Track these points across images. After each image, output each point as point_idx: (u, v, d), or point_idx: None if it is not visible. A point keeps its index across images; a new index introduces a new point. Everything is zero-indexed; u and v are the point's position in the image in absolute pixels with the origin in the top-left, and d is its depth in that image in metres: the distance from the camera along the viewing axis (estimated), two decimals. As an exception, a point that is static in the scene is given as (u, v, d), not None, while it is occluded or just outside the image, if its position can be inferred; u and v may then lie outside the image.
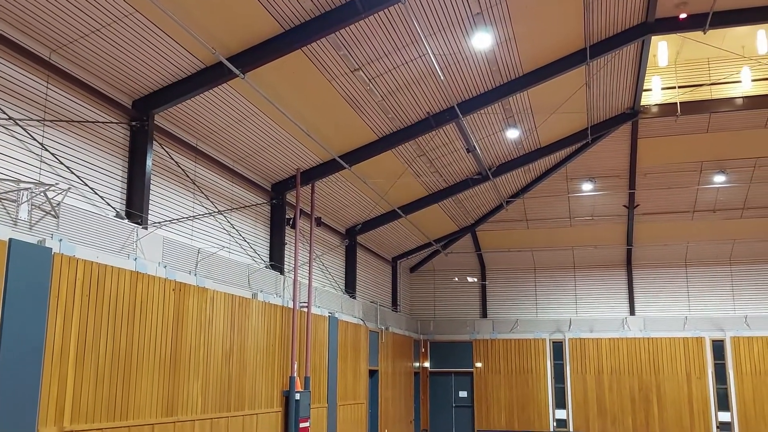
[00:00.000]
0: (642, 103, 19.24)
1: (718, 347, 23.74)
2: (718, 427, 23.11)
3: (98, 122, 10.57)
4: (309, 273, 16.32)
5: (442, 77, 13.36)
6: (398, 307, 24.99)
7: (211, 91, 11.92)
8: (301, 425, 14.91)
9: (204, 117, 12.60)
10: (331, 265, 19.47)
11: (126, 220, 10.78)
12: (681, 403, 23.57)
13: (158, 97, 11.38)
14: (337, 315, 18.21)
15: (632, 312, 24.96)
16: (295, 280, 15.42)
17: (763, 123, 19.43)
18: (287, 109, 13.25)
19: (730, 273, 24.59)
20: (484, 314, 26.30)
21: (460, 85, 14.97)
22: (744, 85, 18.70)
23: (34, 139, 9.32)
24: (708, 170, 21.32)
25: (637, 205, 22.97)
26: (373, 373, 20.98)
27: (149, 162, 11.37)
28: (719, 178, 21.34)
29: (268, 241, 15.85)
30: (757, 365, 23.24)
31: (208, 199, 13.47)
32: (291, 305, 15.46)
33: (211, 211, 13.53)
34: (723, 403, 23.29)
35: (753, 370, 23.24)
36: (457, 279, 23.71)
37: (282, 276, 15.47)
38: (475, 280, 25.07)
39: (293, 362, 15.03)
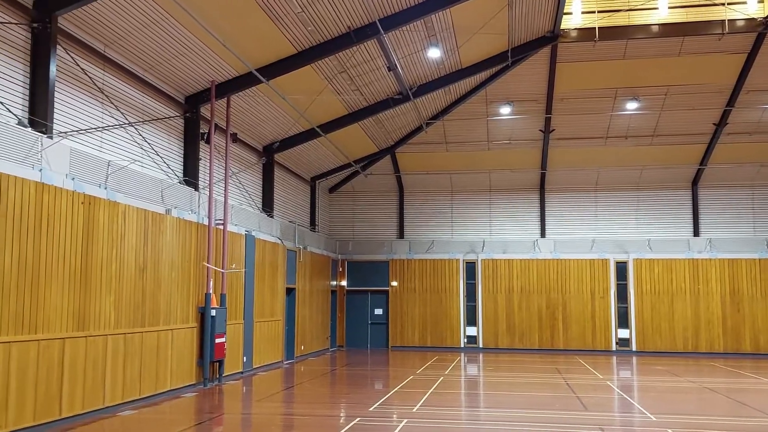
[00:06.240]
0: (562, 27, 19.36)
1: (622, 268, 25.08)
2: (617, 343, 24.69)
3: (-7, 20, 9.77)
4: (225, 190, 15.98)
5: (365, -11, 12.96)
6: (316, 227, 24.99)
7: (118, -8, 11.17)
8: (217, 341, 14.92)
9: (111, 21, 11.83)
10: (248, 183, 19.12)
11: (29, 129, 10.15)
12: (585, 321, 24.95)
13: (61, -4, 10.60)
14: (254, 233, 18.04)
15: (543, 234, 25.89)
16: (210, 197, 15.08)
17: (677, 51, 19.97)
18: (200, 16, 12.59)
19: (637, 198, 25.74)
20: (401, 235, 26.69)
21: (383, -1, 14.60)
22: (660, 12, 19.02)
23: None
24: (622, 97, 21.90)
25: (553, 130, 23.47)
26: (290, 291, 21.10)
27: (53, 68, 10.67)
28: (632, 105, 21.99)
29: (182, 156, 15.33)
30: (656, 286, 24.74)
31: (118, 110, 12.82)
32: (206, 222, 15.17)
33: (121, 123, 12.91)
34: (623, 321, 24.81)
35: (652, 290, 24.75)
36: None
37: (197, 192, 15.09)
38: None
39: (209, 279, 14.88)
